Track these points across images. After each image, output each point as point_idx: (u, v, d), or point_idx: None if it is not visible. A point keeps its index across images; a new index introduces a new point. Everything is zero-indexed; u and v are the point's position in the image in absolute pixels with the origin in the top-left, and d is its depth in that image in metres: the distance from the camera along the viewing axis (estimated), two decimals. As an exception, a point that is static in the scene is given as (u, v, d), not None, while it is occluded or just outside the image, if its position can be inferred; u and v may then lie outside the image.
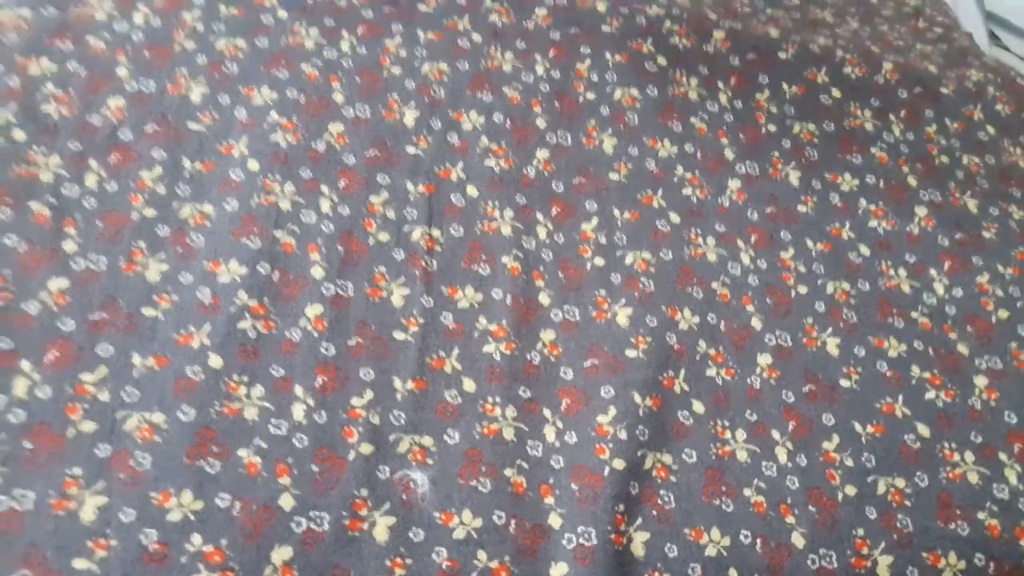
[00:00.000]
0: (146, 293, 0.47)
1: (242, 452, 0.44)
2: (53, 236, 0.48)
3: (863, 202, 0.61)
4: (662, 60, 0.64)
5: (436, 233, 0.53)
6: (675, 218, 0.57)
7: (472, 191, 0.55)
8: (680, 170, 0.59)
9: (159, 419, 0.44)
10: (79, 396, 0.44)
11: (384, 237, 0.52)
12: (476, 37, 0.62)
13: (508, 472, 0.46)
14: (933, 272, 0.58)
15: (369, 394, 0.47)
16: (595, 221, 0.56)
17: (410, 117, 0.57)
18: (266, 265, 0.49)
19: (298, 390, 0.46)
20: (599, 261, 0.55)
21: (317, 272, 0.50)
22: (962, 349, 0.54)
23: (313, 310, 0.49)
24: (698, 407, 0.50)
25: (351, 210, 0.52)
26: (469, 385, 0.48)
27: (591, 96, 0.61)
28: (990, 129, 0.68)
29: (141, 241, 0.48)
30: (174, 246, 0.49)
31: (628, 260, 0.55)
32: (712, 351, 0.52)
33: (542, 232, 0.55)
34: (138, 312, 0.47)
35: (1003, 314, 0.57)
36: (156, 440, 0.43)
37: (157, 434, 0.43)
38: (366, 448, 0.45)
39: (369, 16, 0.61)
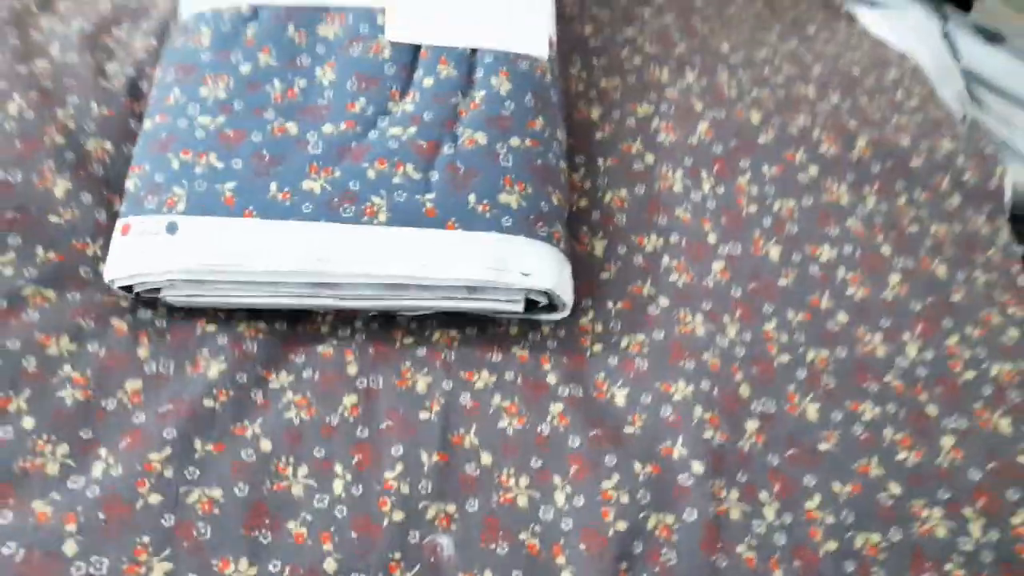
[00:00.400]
0: None
1: (291, 524, 0.51)
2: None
3: (841, 271, 0.67)
4: (649, 158, 0.71)
5: (453, 333, 0.61)
6: (664, 301, 0.64)
7: None
8: (667, 259, 0.66)
9: (217, 494, 0.51)
10: (147, 472, 0.51)
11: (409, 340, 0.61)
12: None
13: (523, 536, 0.52)
14: (906, 336, 0.64)
15: (399, 467, 0.54)
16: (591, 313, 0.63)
17: None
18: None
19: (338, 468, 0.53)
20: (597, 347, 0.61)
21: (351, 369, 0.58)
22: (931, 410, 0.60)
23: (349, 399, 0.56)
24: (696, 468, 0.56)
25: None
26: (486, 458, 0.55)
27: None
28: (957, 198, 0.74)
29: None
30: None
31: (623, 343, 0.62)
32: (707, 415, 0.58)
33: (545, 328, 0.62)
34: (200, 404, 0.55)
35: (969, 375, 0.62)
36: (215, 512, 0.50)
37: (216, 507, 0.51)
38: (398, 515, 0.52)
39: None
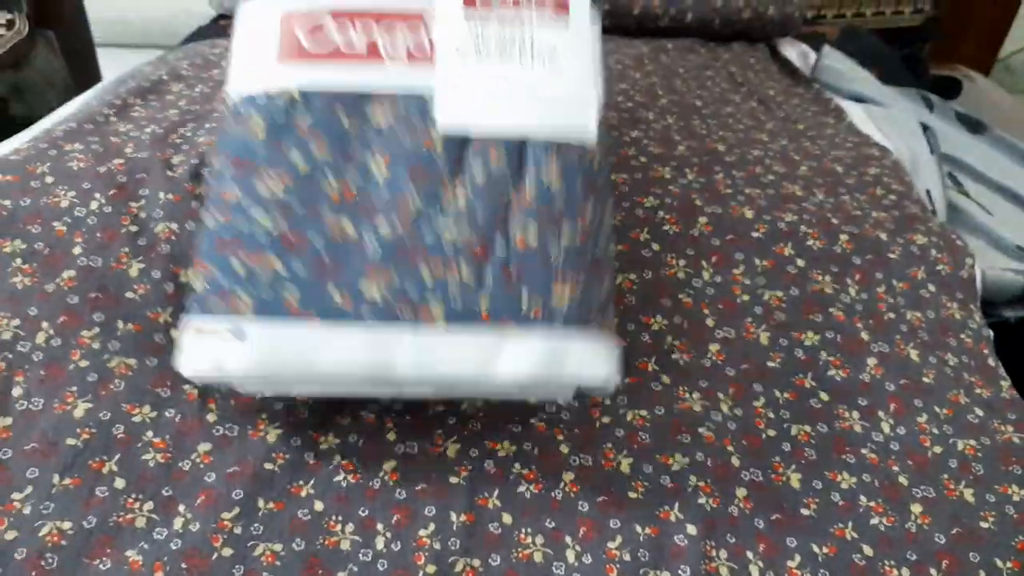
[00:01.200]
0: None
1: (340, 574, 0.59)
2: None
3: (823, 355, 0.76)
4: (656, 246, 0.81)
5: (479, 403, 0.69)
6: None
7: None
8: (669, 339, 0.75)
9: (279, 548, 0.59)
10: (220, 529, 0.59)
11: (440, 408, 0.69)
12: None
13: None
14: (881, 414, 0.72)
15: (432, 526, 0.62)
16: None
17: None
18: None
19: (379, 526, 0.61)
20: (606, 419, 0.70)
21: (391, 436, 0.67)
22: (902, 480, 0.68)
23: (388, 464, 0.65)
24: (691, 530, 0.63)
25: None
26: (507, 519, 0.63)
27: None
28: (931, 287, 0.82)
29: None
30: None
31: (629, 417, 0.70)
32: (701, 484, 0.66)
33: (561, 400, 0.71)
34: (262, 466, 0.63)
35: (938, 449, 0.70)
36: (277, 564, 0.59)
37: (278, 559, 0.59)
38: (431, 568, 0.60)
39: None
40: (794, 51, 1.40)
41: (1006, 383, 0.77)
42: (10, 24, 1.49)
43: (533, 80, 0.67)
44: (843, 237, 0.84)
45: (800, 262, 0.81)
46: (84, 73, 1.72)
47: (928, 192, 1.02)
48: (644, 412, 0.70)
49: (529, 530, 0.62)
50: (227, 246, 0.63)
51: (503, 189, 0.64)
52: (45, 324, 0.66)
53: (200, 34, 1.43)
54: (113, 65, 1.90)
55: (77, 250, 0.71)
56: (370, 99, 0.66)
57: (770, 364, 0.74)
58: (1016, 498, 0.67)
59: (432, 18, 0.69)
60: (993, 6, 2.20)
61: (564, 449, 0.67)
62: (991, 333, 0.83)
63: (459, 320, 0.61)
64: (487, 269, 0.62)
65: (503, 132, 0.66)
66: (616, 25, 1.34)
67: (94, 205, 0.76)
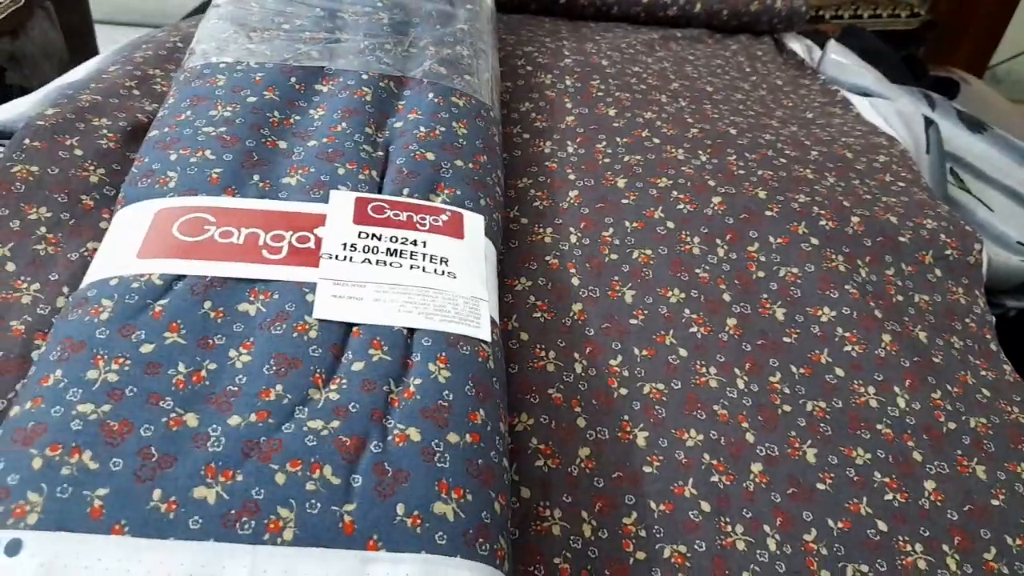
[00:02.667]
0: None
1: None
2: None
3: (839, 330, 0.76)
4: (670, 223, 0.81)
5: None
6: (683, 352, 0.72)
7: None
8: (687, 312, 0.75)
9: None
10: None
11: None
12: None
13: (556, 560, 0.59)
14: (896, 389, 0.72)
15: None
16: (619, 358, 0.71)
17: None
18: None
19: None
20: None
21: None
22: (916, 456, 0.68)
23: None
24: (705, 507, 0.63)
25: None
26: (524, 492, 0.63)
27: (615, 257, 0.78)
28: (938, 271, 0.83)
29: None
30: None
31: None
32: (714, 462, 0.66)
33: (578, 367, 0.70)
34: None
35: (951, 425, 0.71)
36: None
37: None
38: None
39: None
40: (799, 45, 1.41)
41: (1008, 367, 0.78)
42: (9, -7, 1.47)
43: (424, 279, 0.63)
44: (854, 219, 0.84)
45: (814, 240, 0.82)
46: (81, 47, 1.69)
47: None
48: (661, 385, 0.70)
49: (547, 503, 0.62)
50: (28, 438, 0.47)
51: (384, 382, 0.55)
52: (66, 289, 0.65)
53: (202, 9, 1.41)
54: (108, 42, 1.88)
55: (104, 225, 0.70)
56: (242, 288, 0.58)
57: (786, 340, 0.75)
58: None
59: (319, 224, 0.64)
60: (988, 13, 2.24)
61: (581, 423, 0.67)
62: (994, 319, 0.84)
63: (314, 532, 0.47)
64: (358, 468, 0.50)
65: (389, 323, 0.59)
66: (624, 14, 1.35)
67: None
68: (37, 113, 0.75)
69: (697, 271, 0.78)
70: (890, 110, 1.13)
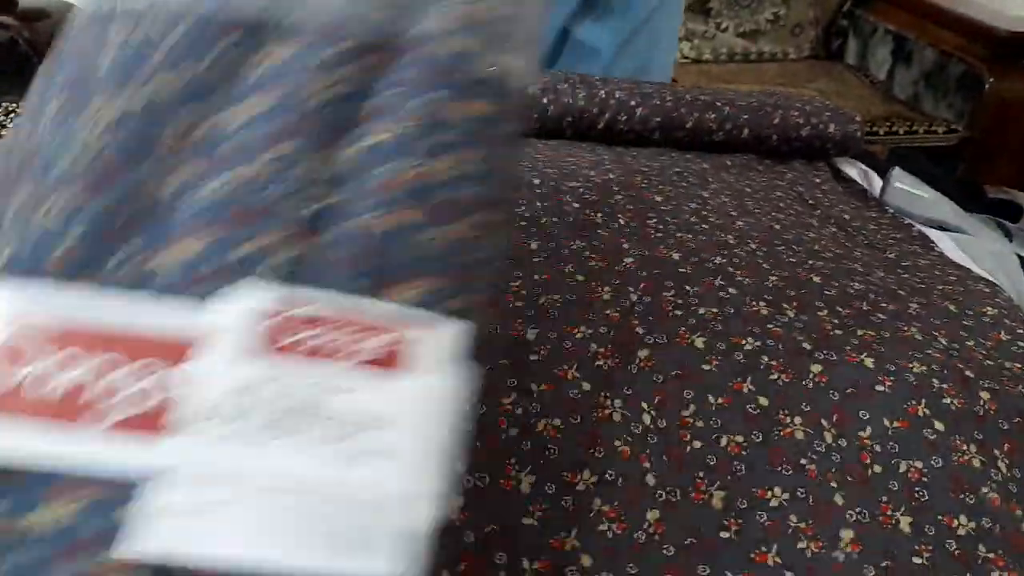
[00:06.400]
0: None
1: None
2: None
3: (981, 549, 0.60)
4: (763, 400, 0.67)
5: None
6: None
7: None
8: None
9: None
10: None
11: None
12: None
13: None
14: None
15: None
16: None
17: None
18: None
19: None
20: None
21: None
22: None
23: None
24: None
25: None
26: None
27: None
28: None
29: None
30: None
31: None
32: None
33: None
34: None
35: None
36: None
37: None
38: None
39: None
40: (854, 170, 1.31)
41: None
42: (21, 114, 1.40)
43: (326, 476, 0.37)
44: (983, 396, 0.70)
45: (938, 424, 0.67)
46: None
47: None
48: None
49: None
50: None
51: None
52: None
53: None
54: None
55: None
56: (35, 487, 0.35)
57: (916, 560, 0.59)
58: None
59: (184, 356, 0.38)
60: (1028, 129, 2.17)
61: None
62: None
63: None
64: None
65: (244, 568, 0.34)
66: (666, 138, 1.26)
67: None
68: None
69: (802, 461, 0.63)
70: (978, 249, 1.01)
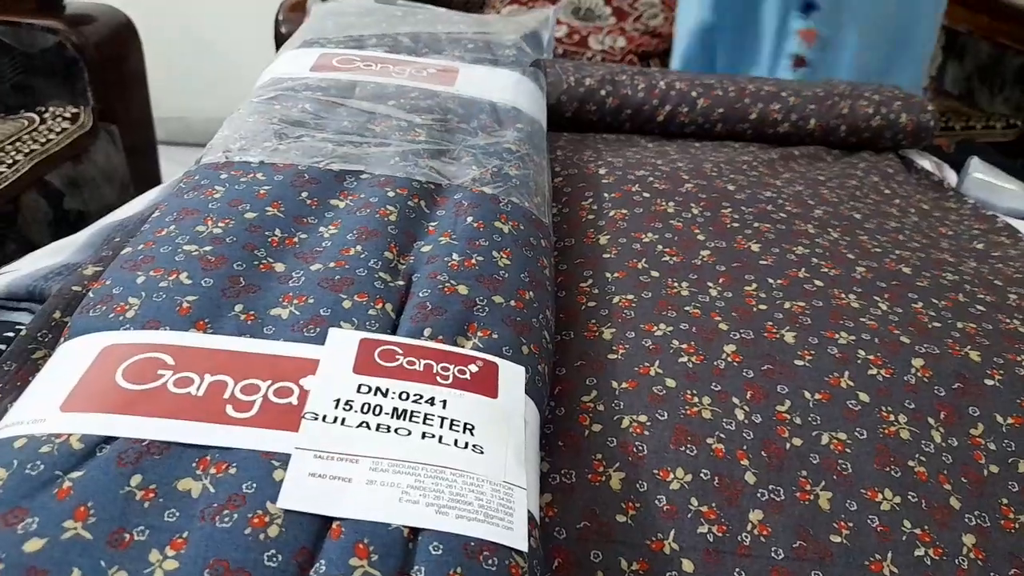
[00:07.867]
0: None
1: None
2: None
3: None
4: (863, 396, 0.63)
5: None
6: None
7: None
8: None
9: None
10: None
11: None
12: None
13: None
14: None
15: None
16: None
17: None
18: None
19: None
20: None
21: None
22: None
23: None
24: (687, 566, 0.50)
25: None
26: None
27: None
28: None
29: None
30: None
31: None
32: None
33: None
34: None
35: None
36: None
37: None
38: None
39: None
40: (927, 162, 1.25)
41: None
42: (75, 117, 1.41)
43: (439, 454, 0.46)
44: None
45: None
46: (144, 170, 1.63)
47: None
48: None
49: None
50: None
51: None
52: None
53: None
54: (171, 162, 1.83)
55: None
56: (188, 457, 0.43)
57: None
58: None
59: (309, 372, 0.49)
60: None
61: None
62: None
63: None
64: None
65: (384, 519, 0.42)
66: (730, 131, 1.22)
67: None
68: (75, 274, 0.62)
69: (910, 463, 0.59)
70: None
